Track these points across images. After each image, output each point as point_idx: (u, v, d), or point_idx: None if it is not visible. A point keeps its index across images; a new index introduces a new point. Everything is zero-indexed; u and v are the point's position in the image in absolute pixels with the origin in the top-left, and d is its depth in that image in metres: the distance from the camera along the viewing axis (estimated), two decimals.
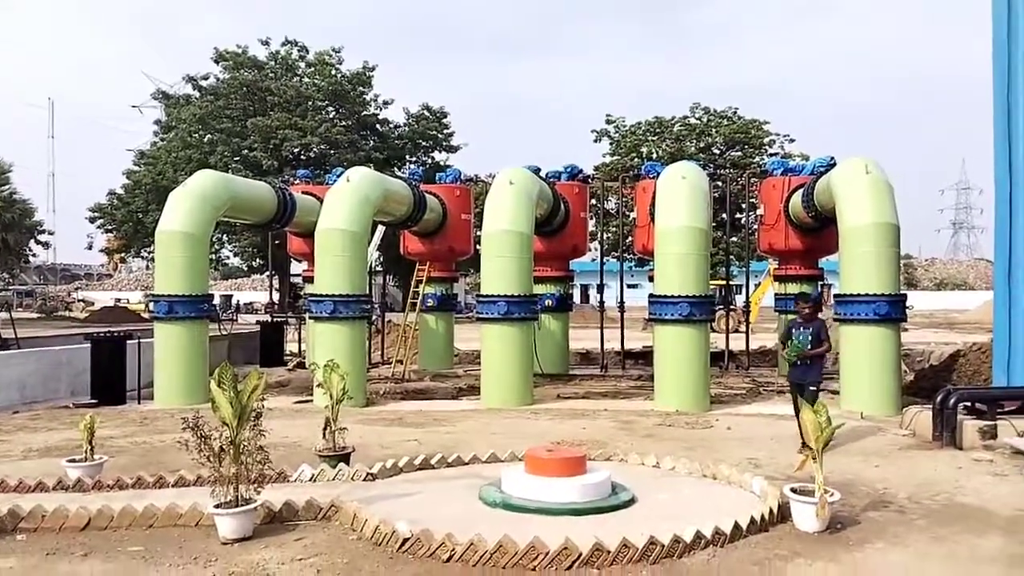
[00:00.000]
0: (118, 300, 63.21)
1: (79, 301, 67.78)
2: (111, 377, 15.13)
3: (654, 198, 15.26)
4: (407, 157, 49.66)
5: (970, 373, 14.80)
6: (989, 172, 12.43)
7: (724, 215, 23.14)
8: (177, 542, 6.36)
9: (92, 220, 50.83)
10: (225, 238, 48.65)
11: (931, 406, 10.84)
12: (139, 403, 14.99)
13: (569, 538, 5.79)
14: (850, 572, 5.83)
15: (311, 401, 14.59)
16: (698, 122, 49.66)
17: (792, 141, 49.11)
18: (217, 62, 46.66)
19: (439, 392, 16.95)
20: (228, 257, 55.49)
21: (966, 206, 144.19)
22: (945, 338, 27.98)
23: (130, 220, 47.52)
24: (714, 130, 48.89)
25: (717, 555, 6.05)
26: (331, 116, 46.85)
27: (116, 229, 50.95)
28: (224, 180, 17.09)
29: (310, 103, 45.75)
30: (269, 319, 25.51)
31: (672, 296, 13.65)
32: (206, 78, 47.32)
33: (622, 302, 20.63)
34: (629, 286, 21.36)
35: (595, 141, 51.24)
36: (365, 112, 48.35)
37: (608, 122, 50.94)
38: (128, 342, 15.59)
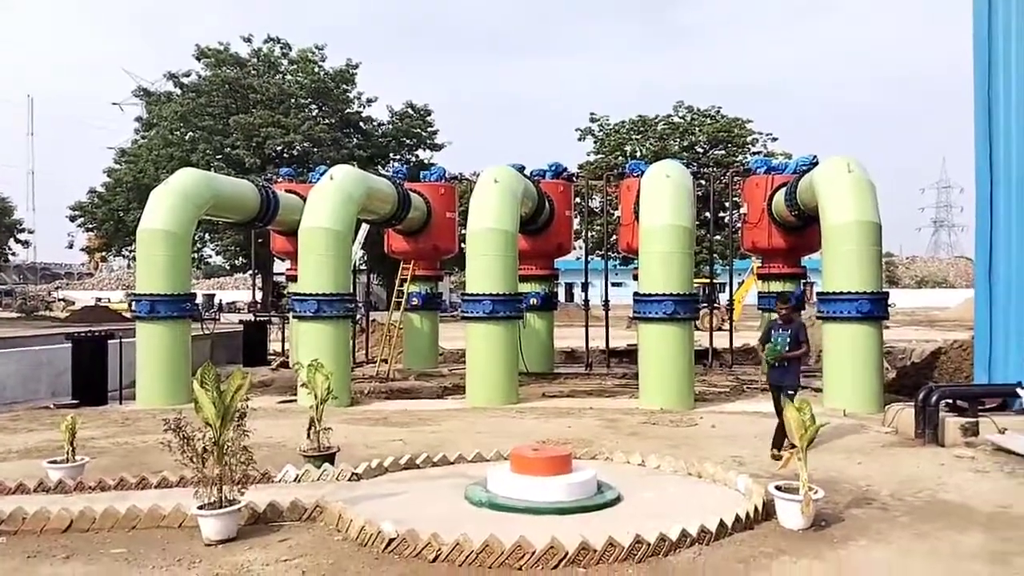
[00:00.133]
0: (99, 299, 62.67)
1: (60, 300, 67.04)
2: (92, 377, 15.00)
3: (638, 196, 15.30)
4: (391, 155, 49.50)
5: (951, 370, 14.94)
6: (969, 170, 12.54)
7: (708, 213, 23.28)
8: (160, 544, 6.31)
9: (73, 219, 50.44)
10: (207, 237, 48.36)
11: (913, 403, 10.92)
12: (121, 403, 14.88)
13: (555, 537, 5.79)
14: (835, 569, 5.86)
15: (295, 401, 14.53)
16: (681, 121, 49.87)
17: (775, 140, 49.51)
18: (199, 59, 46.32)
19: (424, 391, 16.93)
20: (210, 256, 55.15)
21: (946, 204, 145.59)
22: (926, 336, 28.24)
23: (111, 219, 47.14)
24: (697, 129, 49.11)
25: (703, 553, 6.06)
26: (314, 114, 46.67)
27: (97, 228, 50.58)
28: (206, 178, 16.98)
29: (293, 101, 45.54)
30: (252, 318, 25.37)
31: (656, 294, 13.68)
32: (188, 75, 47.00)
33: (607, 300, 20.67)
34: (614, 284, 21.39)
35: (579, 140, 51.42)
36: (348, 110, 48.19)
37: (592, 121, 51.08)
38: (109, 342, 15.48)
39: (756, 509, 6.80)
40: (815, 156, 17.38)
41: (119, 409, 14.29)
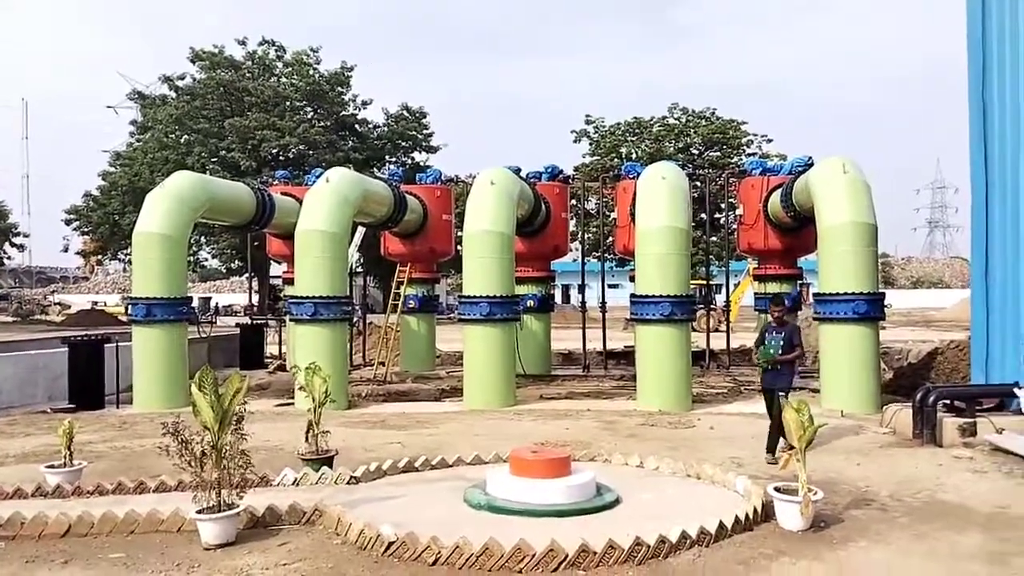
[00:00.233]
0: (95, 303, 62.56)
1: (55, 304, 66.85)
2: (89, 381, 14.95)
3: (634, 198, 15.31)
4: (387, 157, 49.44)
5: (948, 371, 14.96)
6: (964, 171, 12.54)
7: (703, 215, 23.26)
8: (159, 548, 6.30)
9: (68, 222, 50.28)
10: (203, 240, 48.22)
11: (911, 404, 10.94)
12: (118, 407, 14.84)
13: (555, 540, 5.79)
14: (834, 570, 5.86)
15: (292, 404, 14.52)
16: (677, 122, 49.87)
17: (770, 141, 49.47)
18: (193, 62, 46.25)
19: (422, 394, 16.91)
20: (206, 259, 55.08)
21: (941, 205, 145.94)
22: (922, 336, 28.25)
23: (106, 222, 47.03)
24: (692, 130, 49.10)
25: (702, 555, 6.07)
26: (309, 116, 46.59)
27: (92, 231, 50.42)
28: (202, 181, 16.95)
29: (288, 103, 45.46)
30: (249, 321, 25.33)
31: (653, 296, 13.69)
32: (182, 78, 46.91)
33: (604, 302, 20.68)
34: (610, 286, 21.43)
35: (575, 141, 51.33)
36: (344, 112, 48.14)
37: (588, 122, 51.04)
38: (106, 345, 15.41)
39: (755, 510, 6.81)
40: (810, 157, 17.43)
41: (116, 413, 14.26)
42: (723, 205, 28.54)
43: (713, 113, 49.62)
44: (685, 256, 14.15)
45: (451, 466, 8.84)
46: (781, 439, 9.41)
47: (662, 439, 11.11)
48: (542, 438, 10.86)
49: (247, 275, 38.17)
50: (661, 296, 13.62)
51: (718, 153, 48.37)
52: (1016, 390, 10.68)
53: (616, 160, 45.62)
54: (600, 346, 21.13)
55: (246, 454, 6.72)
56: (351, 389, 15.76)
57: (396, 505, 7.24)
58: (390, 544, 6.04)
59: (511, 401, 14.59)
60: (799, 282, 20.14)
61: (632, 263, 15.36)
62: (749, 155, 46.44)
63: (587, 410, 13.93)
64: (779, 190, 17.60)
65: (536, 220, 19.29)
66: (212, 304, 59.89)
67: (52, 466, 8.21)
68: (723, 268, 24.46)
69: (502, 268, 14.55)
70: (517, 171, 18.34)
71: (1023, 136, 11.39)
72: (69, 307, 62.45)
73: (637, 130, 50.21)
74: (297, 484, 7.99)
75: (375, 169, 44.85)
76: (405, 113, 49.72)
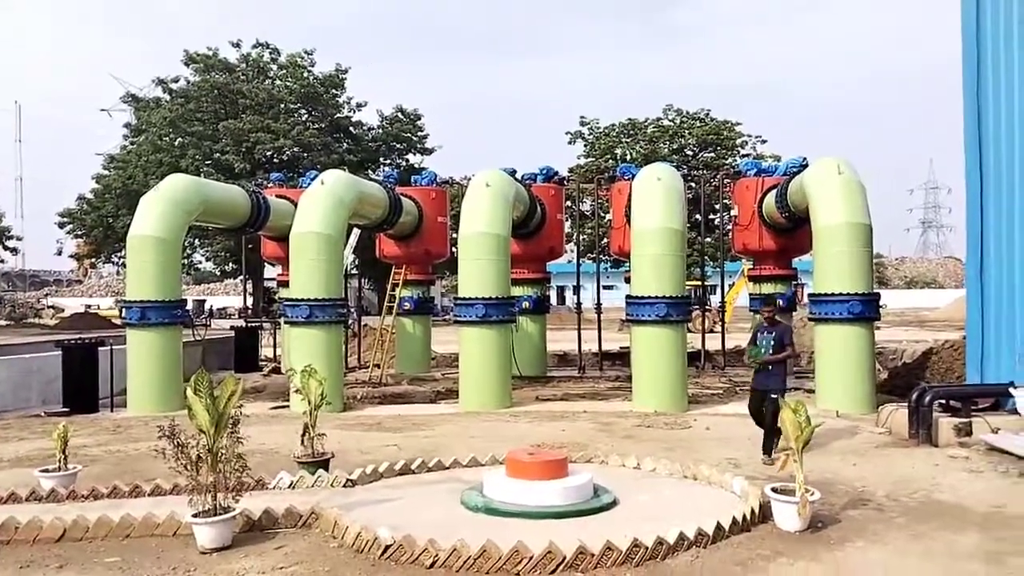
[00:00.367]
0: (89, 306, 62.31)
1: (49, 307, 66.56)
2: (83, 385, 14.91)
3: (629, 200, 15.31)
4: (381, 159, 49.50)
5: (943, 371, 15.00)
6: (957, 171, 12.78)
7: (698, 216, 23.28)
8: (155, 552, 6.27)
9: (61, 225, 50.18)
10: (197, 242, 48.19)
11: (906, 404, 10.96)
12: (112, 411, 14.79)
13: (552, 541, 5.78)
14: (832, 571, 5.86)
15: (287, 407, 14.49)
16: (671, 123, 49.94)
17: (764, 142, 49.56)
18: (187, 64, 46.22)
19: (417, 396, 16.89)
20: (201, 262, 54.98)
21: (935, 205, 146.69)
22: (917, 336, 28.34)
23: (100, 225, 46.96)
24: (687, 131, 49.18)
25: (700, 556, 6.06)
26: (304, 119, 46.63)
27: (86, 234, 50.34)
28: (196, 184, 16.91)
29: (282, 106, 45.48)
30: (243, 324, 25.28)
31: (649, 297, 13.69)
32: (176, 81, 46.88)
33: (599, 303, 20.68)
34: (605, 287, 21.41)
35: (570, 143, 51.42)
36: (338, 115, 48.15)
37: (582, 124, 51.10)
38: (100, 349, 15.38)
39: (752, 511, 6.81)
40: (805, 158, 17.44)
41: (110, 416, 14.20)
42: (718, 206, 28.57)
43: (707, 114, 49.73)
44: (680, 257, 14.15)
45: (447, 468, 8.81)
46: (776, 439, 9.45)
47: (658, 440, 11.11)
48: (538, 440, 10.84)
49: (241, 278, 38.09)
50: (657, 297, 13.63)
51: (712, 154, 48.45)
52: (1011, 389, 10.71)
53: (611, 161, 45.69)
54: (596, 347, 21.12)
55: (242, 457, 6.69)
56: (346, 391, 15.72)
57: (393, 508, 7.22)
58: (387, 547, 6.02)
59: (507, 403, 14.57)
60: (794, 283, 20.16)
61: (627, 264, 15.35)
62: (743, 156, 46.54)
63: (583, 411, 13.92)
64: (774, 191, 17.61)
65: (531, 222, 19.29)
66: (206, 307, 59.63)
67: (46, 470, 8.17)
68: (718, 269, 24.48)
69: (498, 270, 14.54)
70: (512, 173, 18.36)
71: (1017, 136, 11.43)
72: (63, 310, 62.16)
73: (631, 131, 50.28)
74: (293, 487, 7.97)
75: (370, 171, 44.85)
76: (400, 115, 49.77)
